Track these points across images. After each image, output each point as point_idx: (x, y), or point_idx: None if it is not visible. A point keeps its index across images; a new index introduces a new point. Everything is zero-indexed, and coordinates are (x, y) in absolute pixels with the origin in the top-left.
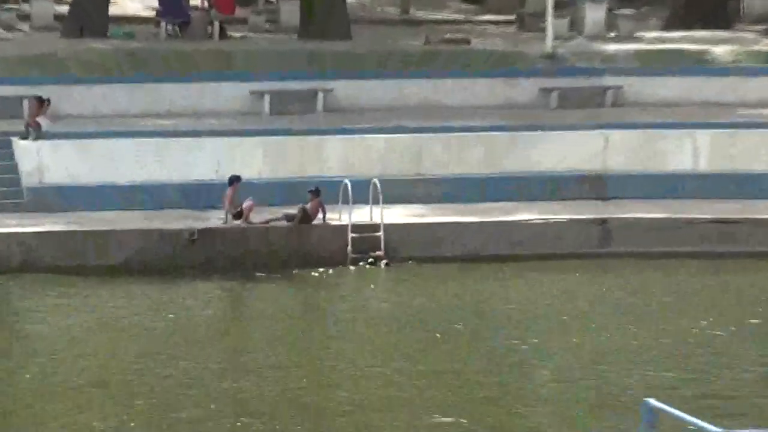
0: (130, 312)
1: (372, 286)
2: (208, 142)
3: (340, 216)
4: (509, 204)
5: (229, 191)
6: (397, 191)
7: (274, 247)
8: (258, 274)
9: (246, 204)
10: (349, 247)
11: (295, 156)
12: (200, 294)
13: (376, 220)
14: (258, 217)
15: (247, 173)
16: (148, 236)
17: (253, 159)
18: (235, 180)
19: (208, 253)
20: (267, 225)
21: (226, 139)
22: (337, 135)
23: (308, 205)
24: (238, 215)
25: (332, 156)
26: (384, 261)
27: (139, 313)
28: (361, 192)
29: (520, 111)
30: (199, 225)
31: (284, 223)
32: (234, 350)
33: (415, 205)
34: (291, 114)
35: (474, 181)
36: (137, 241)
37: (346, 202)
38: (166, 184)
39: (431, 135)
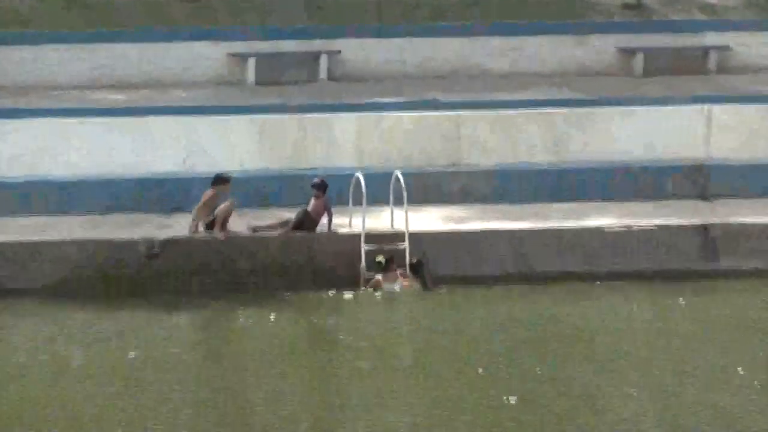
0: (67, 352)
1: (391, 317)
2: (173, 123)
3: (350, 221)
4: (577, 205)
5: (208, 192)
6: (427, 187)
7: (260, 263)
8: (238, 300)
9: (220, 207)
10: (363, 264)
11: (289, 141)
12: (160, 328)
13: (399, 226)
14: (240, 222)
15: (226, 164)
16: (92, 250)
17: (233, 145)
18: (222, 181)
19: (172, 272)
20: (255, 234)
21: (196, 118)
22: (347, 112)
23: (310, 206)
24: (212, 225)
25: (340, 140)
26: (405, 279)
27: (84, 352)
28: (379, 189)
29: (592, 80)
30: (161, 234)
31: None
32: (214, 406)
33: (452, 207)
34: (284, 84)
35: (529, 175)
36: (76, 257)
37: (358, 202)
38: (117, 180)
39: (471, 112)
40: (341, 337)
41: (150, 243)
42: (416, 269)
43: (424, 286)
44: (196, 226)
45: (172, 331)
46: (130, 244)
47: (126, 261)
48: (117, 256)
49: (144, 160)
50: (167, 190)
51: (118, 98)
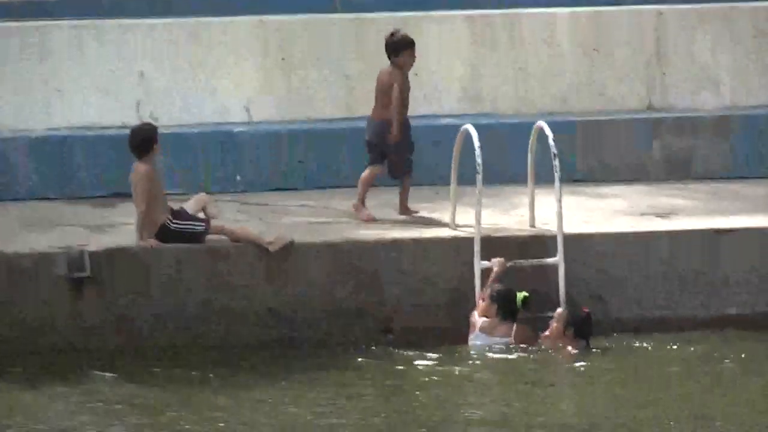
0: None
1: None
2: (114, 33)
3: (453, 214)
4: None
5: (141, 168)
6: (602, 153)
7: (266, 294)
8: (227, 361)
9: (197, 198)
10: (478, 294)
11: (339, 68)
12: (90, 402)
13: (545, 225)
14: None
15: (216, 113)
16: None
17: (232, 76)
18: (149, 142)
19: (112, 309)
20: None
21: (163, 23)
22: (449, 10)
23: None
24: (161, 230)
25: (431, 60)
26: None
27: None
28: (508, 153)
29: None
30: (95, 244)
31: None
32: None
33: (651, 188)
34: None
35: None
36: None
37: (468, 178)
38: (9, 139)
39: (681, 6)
40: None
41: (75, 257)
42: (578, 322)
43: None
44: (141, 234)
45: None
46: (42, 260)
47: (35, 289)
48: (20, 281)
49: (58, 105)
50: (107, 159)
51: None
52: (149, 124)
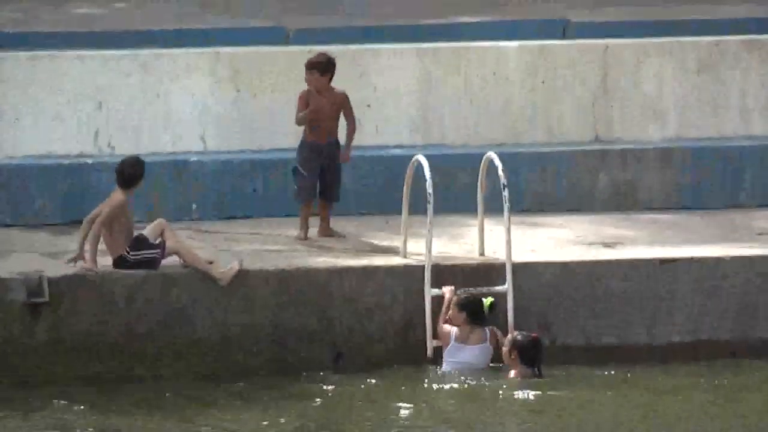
0: None
1: None
2: (74, 64)
3: (404, 243)
4: None
5: (119, 198)
6: (549, 183)
7: (239, 323)
8: (203, 392)
9: (155, 225)
10: (428, 321)
11: (292, 99)
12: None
13: (493, 254)
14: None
15: (173, 143)
16: None
17: (189, 106)
18: (136, 177)
19: (72, 338)
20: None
21: (122, 54)
22: (397, 43)
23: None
24: (119, 260)
25: (384, 95)
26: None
27: None
28: (457, 184)
29: None
30: (53, 270)
31: None
32: None
33: (596, 218)
34: None
35: (743, 156)
36: None
37: (419, 207)
38: None
39: (626, 42)
40: None
41: (33, 285)
42: (526, 346)
43: (538, 372)
44: (86, 254)
45: None
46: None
47: None
48: None
49: (14, 134)
50: (66, 187)
51: None
52: (141, 162)
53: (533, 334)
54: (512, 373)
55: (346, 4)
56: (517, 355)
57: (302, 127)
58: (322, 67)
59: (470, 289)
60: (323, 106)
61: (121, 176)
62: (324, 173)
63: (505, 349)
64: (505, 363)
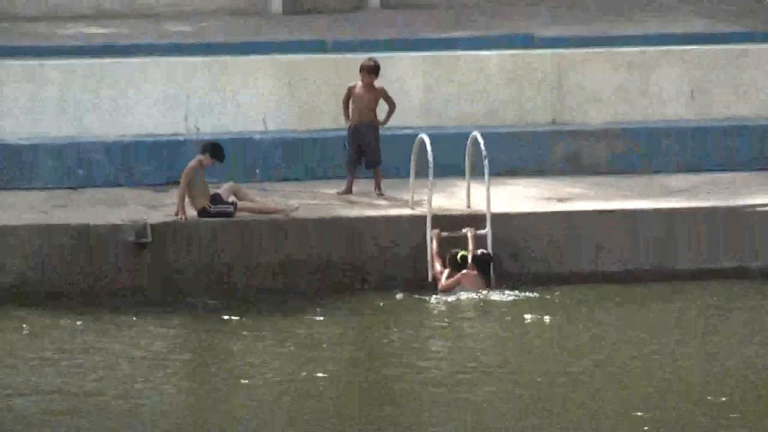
0: (26, 375)
1: (473, 334)
2: (169, 66)
3: (411, 198)
4: (729, 176)
5: (192, 163)
6: (519, 154)
7: (286, 255)
8: (259, 308)
9: (228, 186)
10: (430, 255)
11: (331, 92)
12: (155, 342)
13: (477, 206)
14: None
15: (241, 124)
16: (58, 237)
17: (253, 97)
18: (208, 149)
19: (168, 267)
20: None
21: (204, 60)
22: (408, 52)
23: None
24: (202, 212)
25: (399, 90)
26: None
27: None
28: (452, 155)
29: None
30: (154, 218)
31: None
32: None
33: (553, 180)
34: (322, 13)
35: (661, 133)
36: (37, 247)
37: (423, 172)
38: (88, 143)
39: (580, 51)
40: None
41: (139, 228)
42: (481, 264)
43: (487, 284)
44: (179, 210)
45: (170, 344)
46: (110, 231)
47: (106, 253)
48: (92, 246)
49: (127, 118)
50: (164, 158)
51: (94, 32)
52: (216, 143)
53: (487, 252)
54: (467, 282)
55: (368, 22)
56: (475, 266)
57: (341, 112)
58: (376, 70)
59: (458, 231)
60: (363, 98)
61: (205, 149)
62: (363, 148)
63: (471, 263)
64: (468, 269)
